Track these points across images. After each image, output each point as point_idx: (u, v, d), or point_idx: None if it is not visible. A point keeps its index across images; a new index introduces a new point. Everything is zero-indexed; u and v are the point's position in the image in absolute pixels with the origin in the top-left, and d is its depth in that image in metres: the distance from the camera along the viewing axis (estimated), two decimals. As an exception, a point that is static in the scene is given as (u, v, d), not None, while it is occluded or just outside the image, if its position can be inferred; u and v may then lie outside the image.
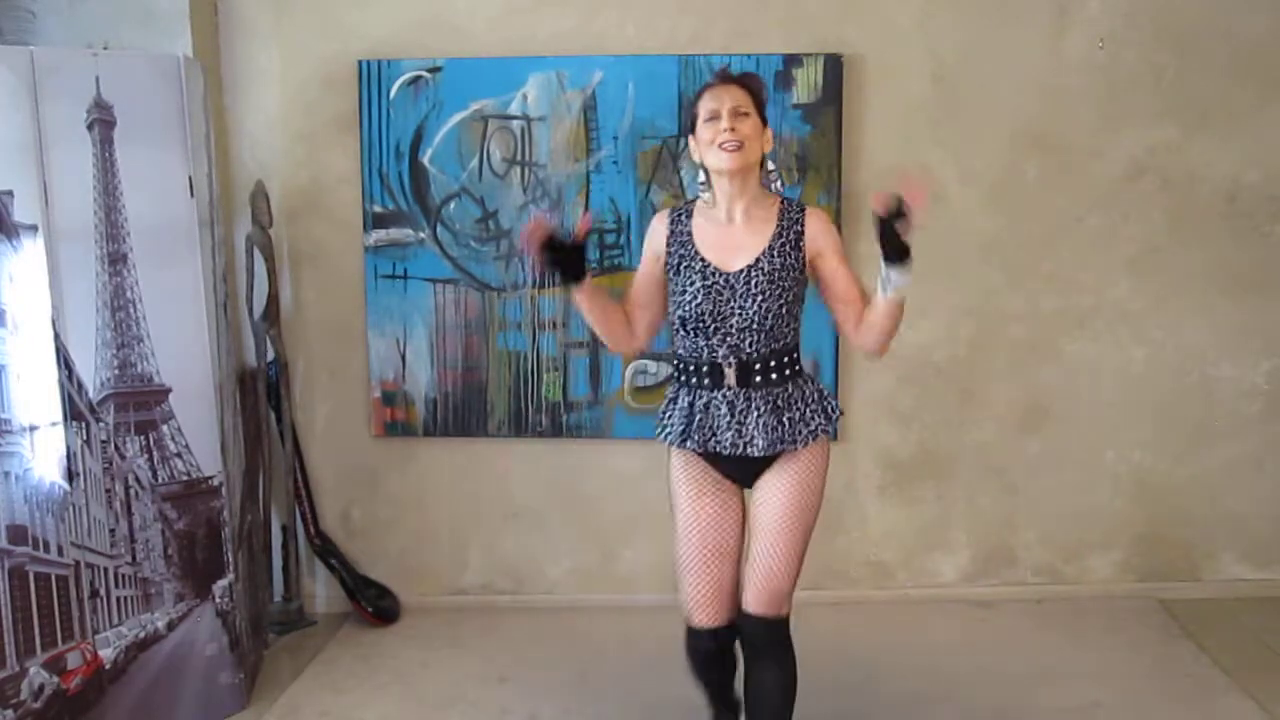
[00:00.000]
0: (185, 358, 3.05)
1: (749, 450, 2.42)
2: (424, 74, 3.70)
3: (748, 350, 2.41)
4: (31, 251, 2.78)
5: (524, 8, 3.69)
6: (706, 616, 2.52)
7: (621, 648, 3.61)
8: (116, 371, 2.95)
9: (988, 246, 3.77)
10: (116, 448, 2.96)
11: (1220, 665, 3.36)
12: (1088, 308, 3.81)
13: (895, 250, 2.23)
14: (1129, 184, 3.75)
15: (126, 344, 2.96)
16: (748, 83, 2.44)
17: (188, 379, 3.06)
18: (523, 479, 3.93)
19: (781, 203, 2.47)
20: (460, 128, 3.72)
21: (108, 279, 2.91)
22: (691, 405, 2.47)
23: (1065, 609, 3.83)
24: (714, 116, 2.37)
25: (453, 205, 3.76)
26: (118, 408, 2.96)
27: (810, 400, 2.46)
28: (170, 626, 3.06)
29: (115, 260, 2.92)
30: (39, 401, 2.80)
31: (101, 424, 2.94)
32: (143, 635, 3.00)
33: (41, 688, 2.80)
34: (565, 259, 2.33)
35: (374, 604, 3.85)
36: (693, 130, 2.45)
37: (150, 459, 3.02)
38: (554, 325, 3.80)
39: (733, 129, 2.34)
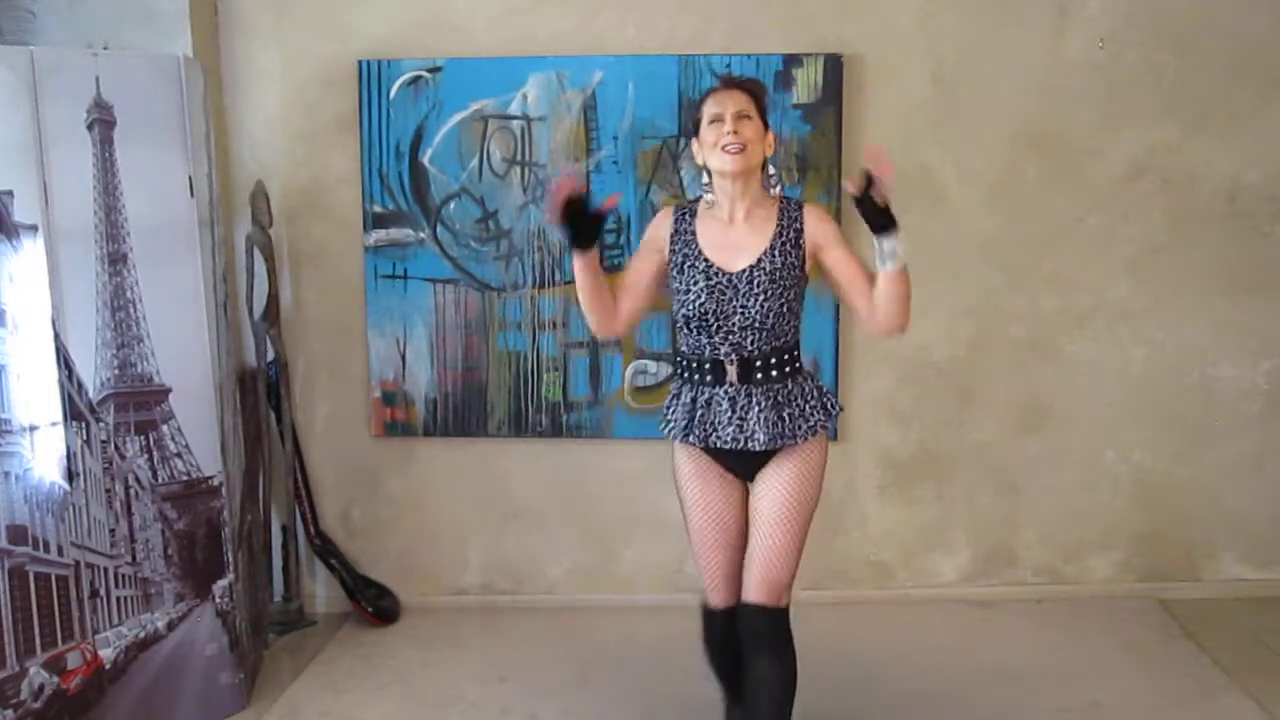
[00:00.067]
0: (185, 358, 3.05)
1: (750, 445, 2.47)
2: (424, 74, 3.70)
3: (749, 348, 2.46)
4: (31, 251, 2.78)
5: (524, 8, 3.69)
6: (721, 598, 2.60)
7: (621, 648, 3.61)
8: (116, 371, 2.95)
9: (988, 246, 3.77)
10: (116, 448, 2.96)
11: (1220, 665, 3.36)
12: (1088, 308, 3.82)
13: (879, 220, 2.30)
14: (1129, 184, 3.75)
15: (126, 344, 2.96)
16: (750, 88, 2.51)
17: (188, 379, 3.06)
18: (523, 479, 3.93)
19: (781, 202, 2.52)
20: (460, 128, 3.72)
21: (108, 279, 2.91)
22: (694, 401, 2.52)
23: (1065, 609, 3.83)
24: (717, 120, 2.43)
25: (453, 205, 3.76)
26: (118, 408, 2.96)
27: (810, 397, 2.51)
28: (170, 626, 3.06)
29: (115, 260, 2.92)
30: (39, 401, 2.80)
31: (101, 424, 2.94)
32: (143, 635, 3.00)
33: (41, 688, 2.80)
34: (582, 223, 2.38)
35: (374, 604, 3.85)
36: (696, 133, 2.51)
37: (150, 459, 3.02)
38: (554, 325, 3.80)
39: (735, 132, 2.40)
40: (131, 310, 2.96)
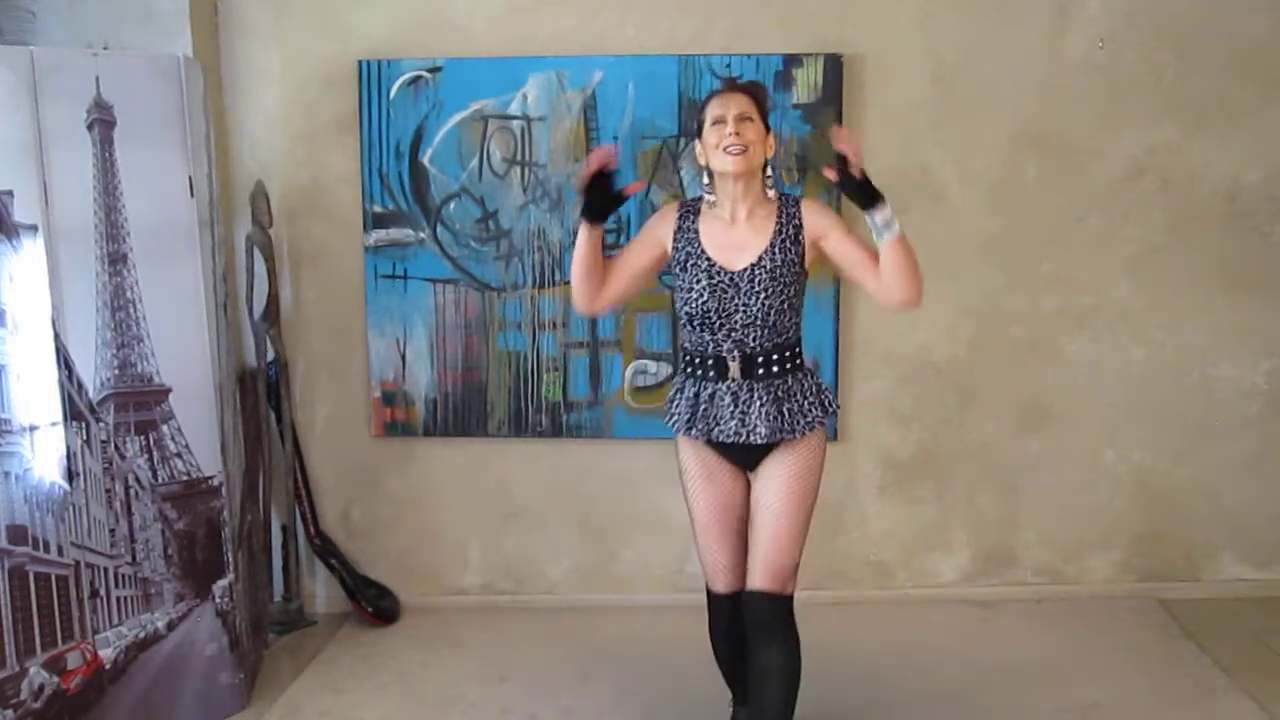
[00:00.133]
0: (185, 358, 3.05)
1: (751, 438, 2.53)
2: (424, 74, 3.70)
3: (751, 345, 2.53)
4: (31, 251, 2.78)
5: (524, 8, 3.69)
6: (725, 584, 2.66)
7: (621, 648, 3.61)
8: (116, 371, 2.95)
9: (988, 246, 3.77)
10: (116, 448, 2.96)
11: (1220, 665, 3.36)
12: (1088, 308, 3.82)
13: (864, 196, 2.41)
14: (1129, 184, 3.75)
15: (126, 344, 2.96)
16: (752, 90, 2.58)
17: (188, 379, 3.06)
18: (523, 479, 3.93)
19: (780, 200, 2.58)
20: (460, 128, 3.72)
21: (108, 279, 2.91)
22: (697, 395, 2.59)
23: (1065, 609, 3.83)
24: (720, 122, 2.49)
25: (453, 205, 3.76)
26: (118, 408, 2.96)
27: (809, 393, 2.57)
28: (170, 626, 3.06)
29: (115, 260, 2.92)
30: (39, 401, 2.80)
31: (101, 424, 2.94)
32: (143, 635, 3.00)
33: (41, 688, 2.80)
34: (602, 198, 2.50)
35: (374, 604, 3.85)
36: (699, 134, 2.56)
37: (150, 459, 3.02)
38: (554, 325, 3.80)
39: (737, 134, 2.46)
40: (131, 310, 2.96)
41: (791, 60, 3.64)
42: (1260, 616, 3.71)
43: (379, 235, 3.78)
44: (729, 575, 2.65)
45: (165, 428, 3.04)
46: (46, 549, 2.81)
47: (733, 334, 2.52)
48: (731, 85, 2.65)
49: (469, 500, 3.95)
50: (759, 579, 2.56)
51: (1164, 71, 3.69)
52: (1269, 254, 3.78)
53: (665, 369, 3.79)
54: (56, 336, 2.82)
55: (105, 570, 2.93)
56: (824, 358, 3.74)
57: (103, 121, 2.87)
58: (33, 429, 2.79)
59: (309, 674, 3.47)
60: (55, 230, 2.80)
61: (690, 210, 2.60)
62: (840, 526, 3.91)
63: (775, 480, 2.56)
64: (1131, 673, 3.34)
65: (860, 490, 3.92)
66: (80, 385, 2.87)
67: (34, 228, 2.77)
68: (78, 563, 2.87)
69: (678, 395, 2.65)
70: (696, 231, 2.56)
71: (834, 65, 3.64)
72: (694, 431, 2.59)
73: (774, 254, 2.50)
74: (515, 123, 3.72)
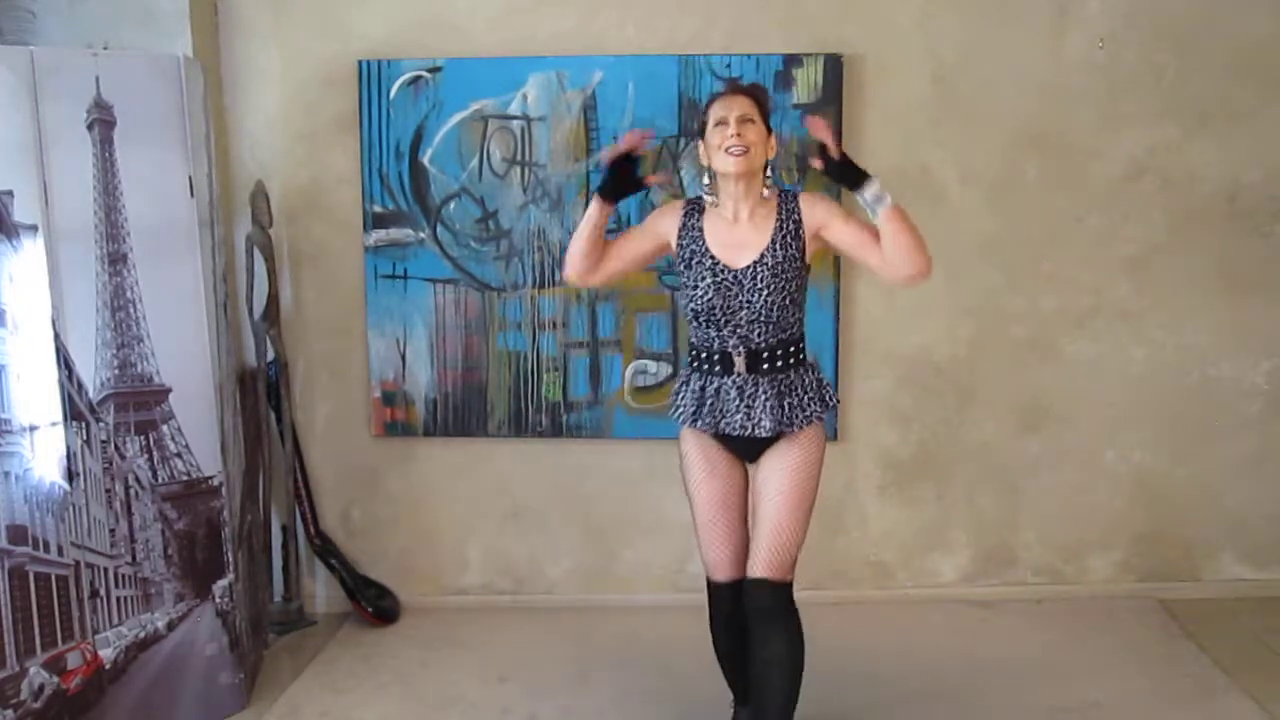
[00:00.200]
0: (185, 358, 3.05)
1: (757, 431, 2.59)
2: (424, 74, 3.70)
3: (756, 340, 2.58)
4: (31, 251, 2.78)
5: (524, 8, 3.69)
6: (725, 573, 2.70)
7: (621, 648, 3.61)
8: (116, 371, 2.95)
9: (988, 246, 3.77)
10: (116, 448, 2.96)
11: (1220, 665, 3.36)
12: (1088, 308, 3.82)
13: (850, 176, 2.51)
14: (1129, 184, 3.75)
15: (126, 344, 2.96)
16: (754, 93, 2.63)
17: (188, 379, 3.06)
18: (523, 479, 3.93)
19: (779, 197, 2.63)
20: (460, 128, 3.72)
21: (108, 279, 2.91)
22: (703, 389, 2.65)
23: (1065, 609, 3.83)
24: (722, 123, 2.54)
25: (453, 205, 3.76)
26: (118, 408, 2.96)
27: (810, 389, 2.63)
28: (170, 626, 3.06)
29: (115, 260, 2.92)
30: (39, 401, 2.80)
31: (101, 424, 2.94)
32: (143, 635, 3.01)
33: (41, 688, 2.80)
34: (624, 179, 2.60)
35: (374, 604, 3.85)
36: (702, 135, 2.62)
37: (150, 459, 3.02)
38: (554, 325, 3.81)
39: (739, 135, 2.52)
40: (131, 310, 2.96)
41: (791, 60, 3.64)
42: (1260, 616, 3.71)
43: (379, 235, 3.78)
44: (729, 565, 2.69)
45: (165, 428, 3.04)
46: (46, 549, 2.81)
47: (738, 330, 2.58)
48: (733, 87, 2.68)
49: (469, 500, 3.95)
50: (760, 568, 2.60)
51: (1164, 71, 3.69)
52: (1269, 254, 3.78)
53: (665, 369, 3.80)
54: (56, 336, 2.82)
55: (105, 570, 2.93)
56: (824, 357, 3.73)
57: (103, 121, 2.87)
58: (33, 429, 2.79)
59: (309, 674, 3.47)
60: (55, 230, 2.80)
61: (695, 209, 2.66)
62: (840, 526, 3.91)
63: (776, 473, 2.61)
64: (1131, 673, 3.34)
65: (860, 490, 3.92)
66: (80, 385, 2.87)
67: (34, 228, 2.77)
68: (78, 563, 2.87)
69: (683, 388, 2.71)
70: (701, 230, 2.62)
71: (834, 65, 3.64)
72: (699, 424, 2.65)
73: (775, 250, 2.55)
74: (515, 123, 3.72)
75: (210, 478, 3.12)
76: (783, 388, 2.59)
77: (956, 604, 3.89)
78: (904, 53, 3.68)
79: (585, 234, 2.62)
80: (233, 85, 3.75)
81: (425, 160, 3.74)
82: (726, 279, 2.56)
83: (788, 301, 2.58)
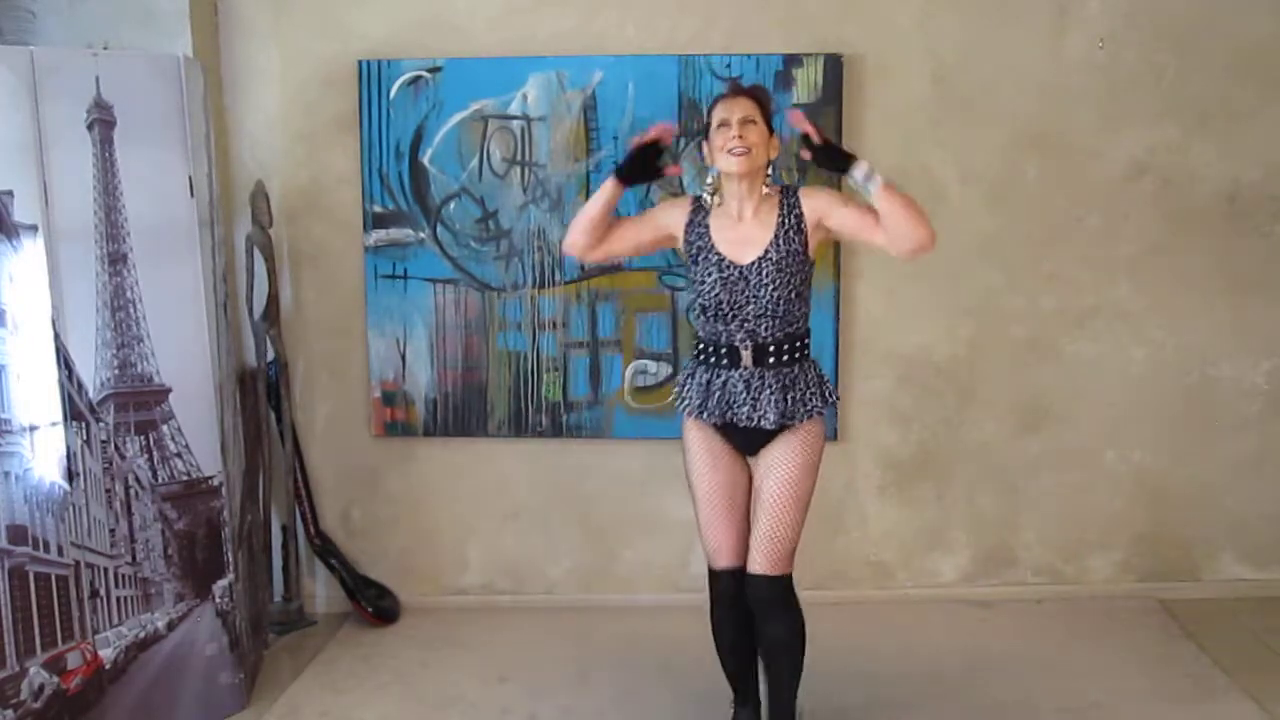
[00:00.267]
0: (185, 358, 3.05)
1: (762, 423, 2.65)
2: (424, 74, 3.70)
3: (763, 334, 2.65)
4: (31, 251, 2.78)
5: (524, 8, 3.69)
6: (727, 559, 2.75)
7: (621, 648, 3.61)
8: (116, 371, 2.95)
9: (988, 246, 3.77)
10: (116, 448, 2.96)
11: (1220, 665, 3.36)
12: (1088, 308, 3.81)
13: (837, 160, 2.60)
14: (1129, 184, 3.75)
15: (126, 344, 2.96)
16: (756, 95, 2.69)
17: (188, 379, 3.06)
18: (523, 479, 3.93)
19: (781, 193, 2.69)
20: (460, 128, 3.72)
21: (108, 279, 2.91)
22: (709, 382, 2.71)
23: (1065, 609, 3.83)
24: (724, 125, 2.62)
25: (453, 205, 3.76)
26: (118, 408, 2.96)
27: (811, 384, 2.70)
28: (170, 626, 3.06)
29: (115, 260, 2.92)
30: (39, 401, 2.80)
31: (101, 424, 2.93)
32: (143, 635, 3.00)
33: (41, 688, 2.80)
34: (642, 166, 2.68)
35: (374, 604, 3.85)
36: (706, 136, 2.70)
37: (150, 459, 3.02)
38: (554, 325, 3.81)
39: (741, 136, 2.59)
40: (131, 310, 2.96)
41: (791, 60, 3.64)
42: (1260, 616, 3.71)
43: (379, 235, 3.78)
44: (731, 552, 2.73)
45: (165, 428, 3.04)
46: (46, 549, 2.81)
47: (745, 324, 2.64)
48: (736, 89, 2.74)
49: (469, 500, 3.95)
50: (760, 563, 2.66)
51: (1164, 71, 3.69)
52: (1269, 254, 3.78)
53: (665, 369, 3.80)
54: (56, 336, 2.82)
55: (105, 570, 2.93)
56: (824, 357, 3.73)
57: (103, 121, 2.87)
58: (33, 429, 2.79)
59: (309, 674, 3.46)
60: (55, 230, 2.80)
61: (702, 206, 2.72)
62: (840, 526, 3.91)
63: (776, 467, 2.67)
64: (1131, 673, 3.34)
65: (860, 490, 3.92)
66: (80, 385, 2.87)
67: (34, 228, 2.77)
68: (78, 563, 2.87)
69: (689, 380, 2.77)
70: (707, 227, 2.69)
71: (834, 65, 3.64)
72: (705, 416, 2.71)
73: (779, 245, 2.62)
74: (515, 123, 3.72)
75: (210, 478, 3.12)
76: (787, 381, 2.66)
77: (956, 604, 3.89)
78: (904, 53, 3.68)
79: (595, 210, 2.69)
80: (233, 85, 3.75)
81: (425, 160, 3.74)
82: (732, 274, 2.63)
83: (793, 295, 2.64)
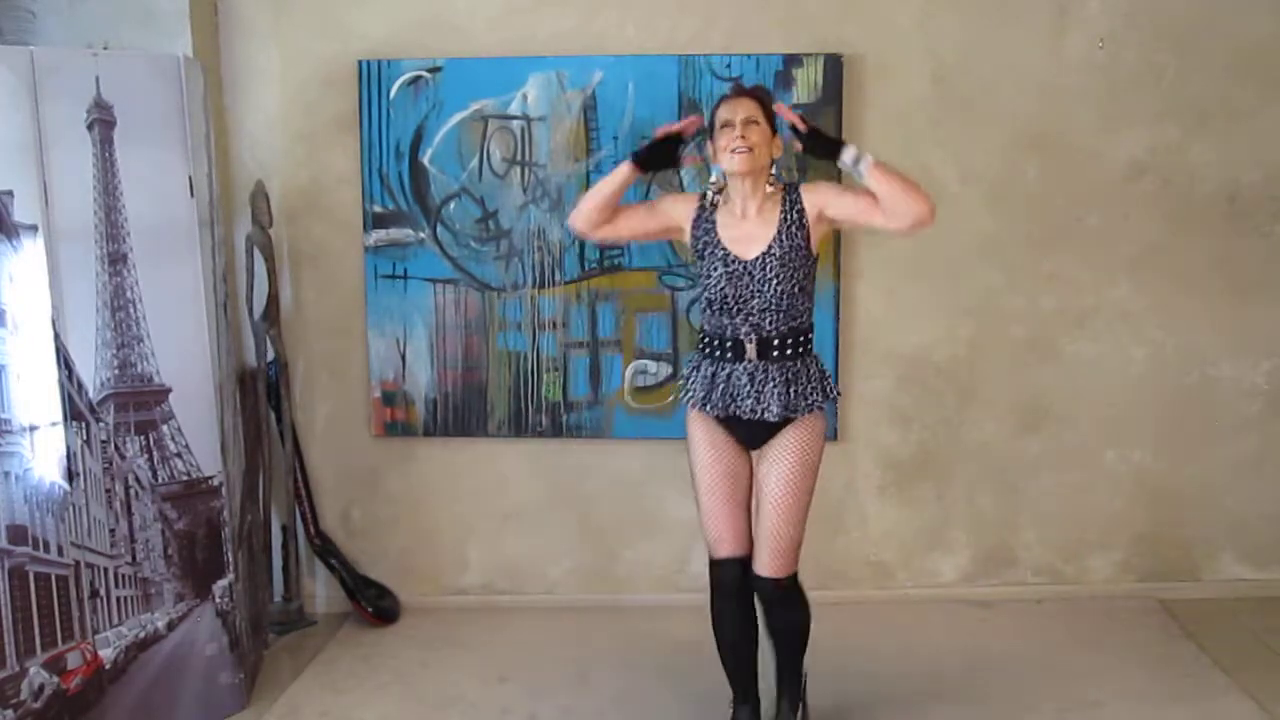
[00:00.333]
0: (185, 358, 3.05)
1: (765, 416, 2.70)
2: (424, 74, 3.70)
3: (768, 328, 2.70)
4: (31, 251, 2.78)
5: (524, 8, 3.69)
6: (728, 549, 2.79)
7: (621, 648, 3.61)
8: (116, 371, 2.95)
9: (988, 246, 3.77)
10: (116, 448, 2.96)
11: (1220, 665, 3.36)
12: (1088, 308, 3.81)
13: (825, 147, 2.69)
14: (1129, 184, 3.75)
15: (126, 344, 2.96)
16: (759, 95, 2.76)
17: (188, 379, 3.06)
18: (523, 479, 3.93)
19: (784, 189, 2.75)
20: (460, 128, 3.72)
21: (108, 279, 2.91)
22: (714, 375, 2.76)
23: (1065, 609, 3.83)
24: (728, 125, 2.68)
25: (453, 205, 3.76)
26: (118, 408, 2.96)
27: (814, 378, 2.76)
28: (170, 626, 3.06)
29: (115, 260, 2.92)
30: (39, 401, 2.80)
31: (101, 424, 2.93)
32: (143, 635, 3.00)
33: (41, 688, 2.80)
34: (662, 154, 2.76)
35: (374, 604, 3.85)
36: (711, 136, 2.76)
37: (150, 459, 3.02)
38: (554, 325, 3.81)
39: (744, 136, 2.65)
40: (131, 310, 2.96)
41: (791, 60, 3.64)
42: (1260, 616, 3.71)
43: (379, 235, 3.78)
44: (732, 542, 2.77)
45: (165, 428, 3.04)
46: (46, 549, 2.81)
47: (750, 318, 2.70)
48: (739, 90, 2.80)
49: (469, 500, 3.95)
50: (767, 565, 2.71)
51: (1164, 71, 3.69)
52: (1269, 254, 3.78)
53: (665, 369, 3.80)
54: (56, 336, 2.82)
55: (105, 570, 2.93)
56: (824, 357, 3.67)
57: (103, 121, 2.87)
58: (33, 429, 2.79)
59: (309, 674, 3.46)
60: (55, 230, 2.80)
61: (708, 203, 2.78)
62: (840, 526, 3.91)
63: (778, 463, 2.72)
64: (1131, 673, 3.34)
65: (860, 490, 3.92)
66: (80, 385, 2.87)
67: (34, 228, 2.77)
68: (78, 563, 2.87)
69: (694, 373, 2.82)
70: (713, 223, 2.75)
71: (834, 65, 3.64)
72: (709, 408, 2.75)
73: (782, 241, 2.68)
74: (515, 123, 3.72)
75: (210, 478, 3.12)
76: (790, 375, 2.71)
77: (956, 604, 3.89)
78: (904, 53, 3.68)
79: (606, 191, 2.74)
80: (233, 85, 3.75)
81: (425, 160, 3.74)
82: (737, 269, 2.68)
83: (797, 290, 2.69)
